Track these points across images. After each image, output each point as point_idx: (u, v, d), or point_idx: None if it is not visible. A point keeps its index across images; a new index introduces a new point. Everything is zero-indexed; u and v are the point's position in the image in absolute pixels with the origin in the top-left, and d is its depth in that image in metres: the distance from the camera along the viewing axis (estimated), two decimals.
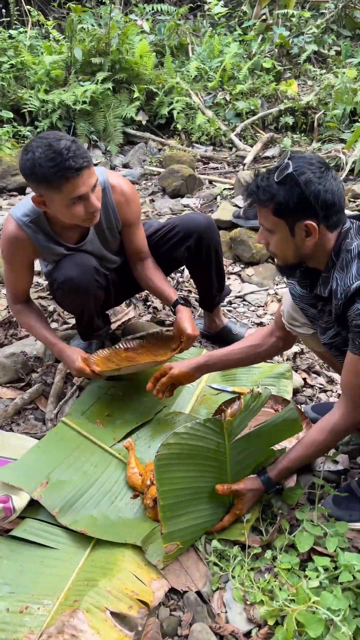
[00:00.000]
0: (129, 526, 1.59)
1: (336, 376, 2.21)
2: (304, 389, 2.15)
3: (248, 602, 1.40)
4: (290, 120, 5.14)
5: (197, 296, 2.44)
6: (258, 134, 5.22)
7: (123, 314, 2.61)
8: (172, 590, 1.43)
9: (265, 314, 2.69)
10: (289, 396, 2.04)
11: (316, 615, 1.30)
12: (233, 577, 1.45)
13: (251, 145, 5.02)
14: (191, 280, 2.86)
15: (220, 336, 2.42)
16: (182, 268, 3.01)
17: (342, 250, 1.40)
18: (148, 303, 2.72)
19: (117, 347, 2.20)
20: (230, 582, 1.45)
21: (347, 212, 1.44)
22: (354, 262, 1.37)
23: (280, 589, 1.40)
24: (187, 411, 2.04)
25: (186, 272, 2.98)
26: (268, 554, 1.50)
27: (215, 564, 1.49)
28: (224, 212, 3.39)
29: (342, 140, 4.97)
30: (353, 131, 4.92)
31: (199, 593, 1.43)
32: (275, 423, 1.58)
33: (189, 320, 2.02)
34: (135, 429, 1.95)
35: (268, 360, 2.09)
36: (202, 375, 1.86)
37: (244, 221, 3.16)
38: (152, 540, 1.53)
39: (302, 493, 1.63)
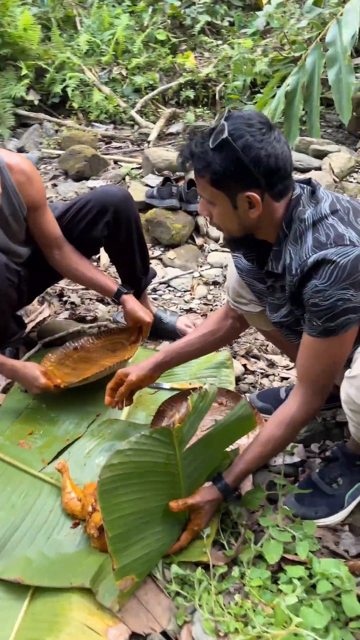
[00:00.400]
0: (73, 564, 1.36)
1: (276, 358, 2.07)
2: (245, 376, 1.99)
3: (221, 633, 1.22)
4: (191, 93, 4.96)
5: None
6: (160, 110, 5.00)
7: (36, 313, 2.33)
8: (134, 635, 1.23)
9: (193, 298, 2.51)
10: (232, 386, 1.88)
11: (299, 638, 1.15)
12: (200, 606, 1.27)
13: (154, 122, 4.79)
14: (109, 269, 2.62)
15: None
16: (96, 257, 2.75)
17: (294, 220, 1.23)
18: (64, 298, 2.45)
19: (66, 346, 1.99)
20: (197, 613, 1.26)
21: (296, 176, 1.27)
22: (308, 232, 1.21)
23: (254, 610, 1.24)
24: (123, 417, 1.82)
25: (103, 259, 2.73)
26: (235, 571, 1.33)
27: (178, 594, 1.30)
28: (136, 192, 3.15)
29: None
30: (255, 102, 4.84)
31: (164, 633, 1.23)
32: (229, 423, 1.40)
33: (141, 308, 1.88)
34: (67, 446, 1.70)
35: None
36: (161, 373, 1.68)
37: (159, 201, 2.94)
38: (102, 577, 1.31)
39: (264, 496, 1.47)
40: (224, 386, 1.87)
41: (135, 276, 2.09)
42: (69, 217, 1.90)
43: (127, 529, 1.27)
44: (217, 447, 1.44)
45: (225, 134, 1.16)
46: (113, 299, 1.90)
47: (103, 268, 2.68)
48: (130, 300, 1.88)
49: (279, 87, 4.60)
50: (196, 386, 1.87)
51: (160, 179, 3.32)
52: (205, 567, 1.35)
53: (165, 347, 1.68)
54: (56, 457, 1.67)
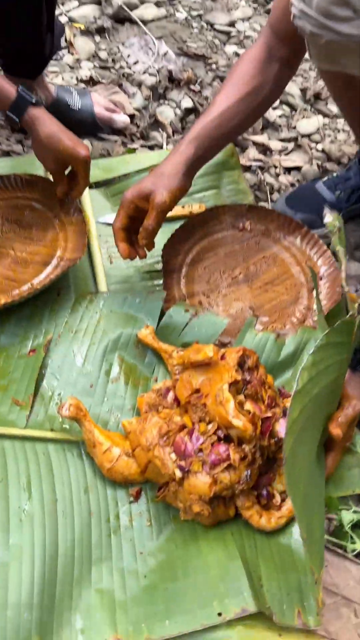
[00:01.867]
0: (186, 573, 0.77)
1: (264, 139, 1.39)
2: (245, 174, 1.31)
3: None
4: None
5: None
6: None
7: None
8: None
9: (79, 60, 1.58)
10: (250, 198, 1.23)
11: None
12: None
13: None
14: None
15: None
16: None
17: None
18: None
19: None
20: None
21: None
22: None
23: None
24: (102, 283, 1.08)
25: None
26: None
27: None
28: None
29: None
30: None
31: None
32: None
33: (68, 135, 0.96)
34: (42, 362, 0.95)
35: None
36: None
37: None
38: (261, 580, 0.76)
39: None
40: (237, 200, 1.21)
41: (41, 39, 1.13)
42: None
43: (307, 493, 0.72)
44: None
45: None
46: (8, 113, 0.96)
47: None
48: (44, 118, 0.95)
49: None
50: (197, 209, 1.17)
51: None
52: None
53: (191, 132, 0.94)
54: (36, 388, 0.92)
